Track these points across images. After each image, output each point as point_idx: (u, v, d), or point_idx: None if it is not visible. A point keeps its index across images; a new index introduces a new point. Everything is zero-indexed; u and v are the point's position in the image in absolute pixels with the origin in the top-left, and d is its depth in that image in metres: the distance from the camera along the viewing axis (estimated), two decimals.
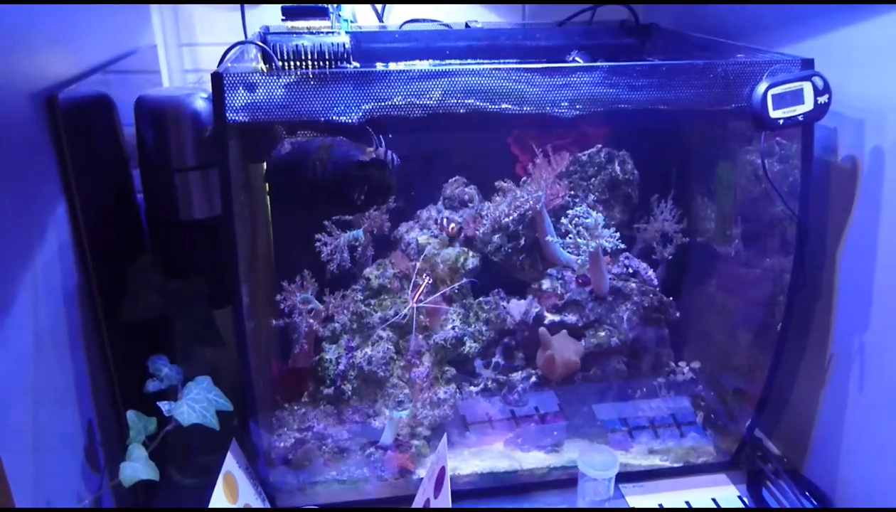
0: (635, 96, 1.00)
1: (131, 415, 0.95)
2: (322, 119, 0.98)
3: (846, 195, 1.10)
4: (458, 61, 1.41)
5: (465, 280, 1.28)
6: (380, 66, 1.31)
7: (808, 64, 1.03)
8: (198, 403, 0.98)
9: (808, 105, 1.00)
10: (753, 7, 1.29)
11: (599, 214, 1.21)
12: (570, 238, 1.21)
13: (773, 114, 0.99)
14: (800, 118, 1.00)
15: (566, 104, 1.00)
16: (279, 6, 1.35)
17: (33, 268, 0.87)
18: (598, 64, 1.02)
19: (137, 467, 0.90)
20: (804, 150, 1.05)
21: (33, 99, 0.89)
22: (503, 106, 1.00)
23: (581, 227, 1.20)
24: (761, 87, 0.99)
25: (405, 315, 1.21)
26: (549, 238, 1.27)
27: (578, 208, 1.22)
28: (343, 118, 0.98)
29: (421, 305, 1.22)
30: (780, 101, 0.99)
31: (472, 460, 1.23)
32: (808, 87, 1.00)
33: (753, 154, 1.20)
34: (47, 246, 0.91)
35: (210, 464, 1.08)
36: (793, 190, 1.11)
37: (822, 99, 1.00)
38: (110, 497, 1.03)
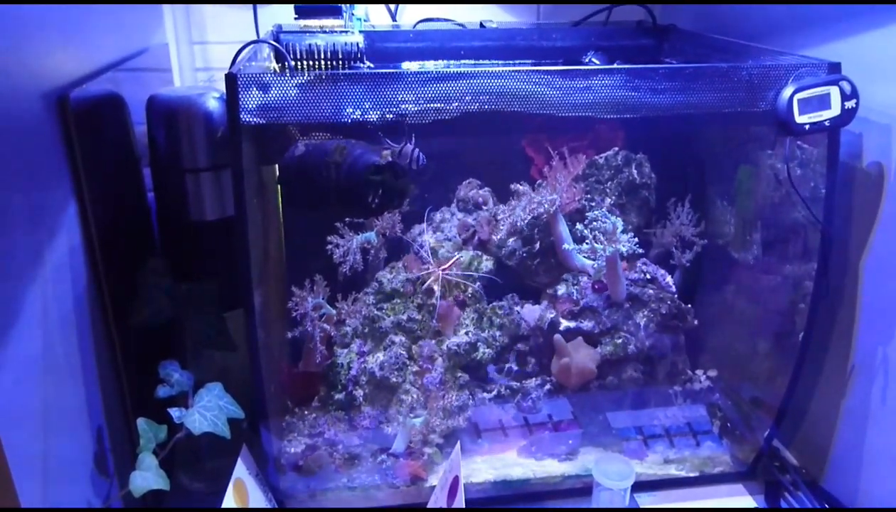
0: (657, 100, 0.98)
1: (141, 423, 0.93)
2: (336, 120, 0.97)
3: (871, 202, 1.07)
4: (472, 61, 1.40)
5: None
6: (405, 66, 1.29)
7: (835, 68, 1.00)
8: (209, 411, 0.97)
9: (835, 110, 0.98)
10: (775, 8, 1.27)
11: (618, 219, 1.19)
12: (587, 243, 1.19)
13: (799, 119, 0.97)
14: (826, 124, 0.98)
15: (586, 107, 0.98)
16: (292, 5, 1.33)
17: (43, 270, 0.85)
18: (619, 66, 1.00)
19: (148, 477, 0.88)
20: (830, 156, 1.03)
21: (44, 99, 0.87)
22: (521, 108, 0.98)
23: (598, 232, 1.18)
24: (787, 92, 0.97)
25: (429, 283, 1.20)
26: (565, 246, 1.25)
27: (597, 211, 1.20)
28: (357, 120, 0.96)
29: (445, 271, 1.21)
30: (807, 105, 0.97)
31: (485, 468, 1.22)
32: (835, 92, 0.98)
33: (774, 158, 1.18)
34: (57, 248, 0.89)
35: (219, 468, 1.06)
36: (814, 195, 1.09)
37: (850, 104, 0.98)
38: (119, 504, 1.01)
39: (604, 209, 1.23)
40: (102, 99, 1.07)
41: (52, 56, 0.92)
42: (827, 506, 1.16)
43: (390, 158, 1.10)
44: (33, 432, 0.82)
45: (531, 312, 1.27)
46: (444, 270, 1.21)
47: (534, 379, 1.25)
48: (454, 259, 1.22)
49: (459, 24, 1.51)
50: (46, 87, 0.88)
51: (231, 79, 0.91)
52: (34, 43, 0.87)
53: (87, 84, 0.99)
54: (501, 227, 1.27)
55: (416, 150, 1.14)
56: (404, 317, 1.23)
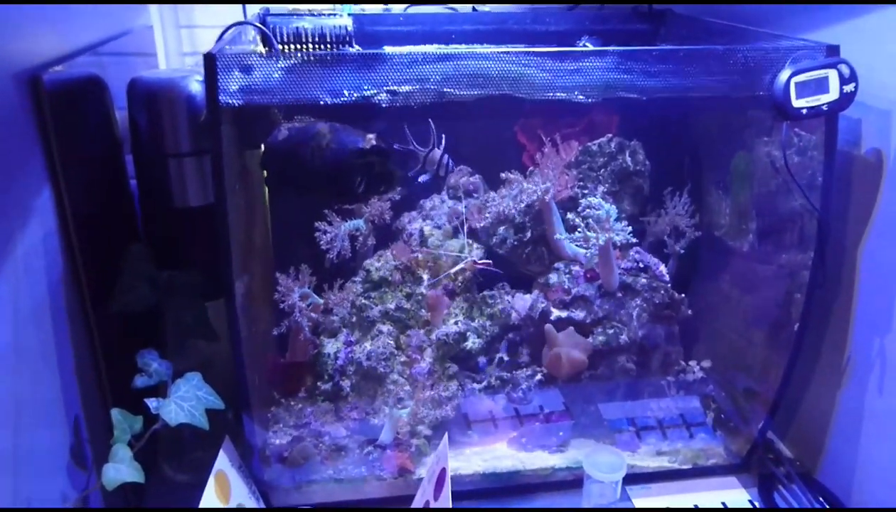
0: (651, 83, 0.96)
1: (115, 413, 0.91)
2: (321, 103, 0.94)
3: (869, 190, 1.05)
4: (464, 46, 1.37)
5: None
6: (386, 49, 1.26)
7: (833, 50, 0.98)
8: (186, 402, 0.94)
9: (833, 94, 0.95)
10: None
11: (611, 206, 1.17)
12: (580, 232, 1.17)
13: (796, 103, 0.95)
14: (824, 108, 0.95)
15: (578, 90, 0.96)
16: None
17: (14, 256, 0.83)
18: (612, 48, 0.98)
19: (121, 469, 0.86)
20: (828, 142, 1.01)
21: (15, 79, 0.85)
22: (511, 91, 0.96)
23: (591, 220, 1.16)
24: (784, 75, 0.95)
25: (462, 269, 1.21)
26: (557, 236, 1.22)
27: (591, 198, 1.18)
28: (341, 102, 0.94)
29: (478, 265, 1.22)
30: (804, 89, 0.94)
31: (475, 460, 1.20)
32: (833, 75, 0.95)
33: (771, 145, 1.15)
34: (30, 233, 0.87)
35: (203, 459, 1.04)
36: (811, 183, 1.06)
37: (848, 88, 0.95)
38: (98, 496, 0.99)
39: (597, 197, 1.21)
40: (81, 81, 1.04)
41: (24, 35, 0.89)
42: (822, 498, 1.14)
43: (420, 155, 1.09)
44: (4, 423, 0.79)
45: (522, 302, 1.24)
46: (479, 264, 1.21)
47: (524, 369, 1.23)
48: (487, 262, 1.23)
49: (451, 8, 1.48)
50: (18, 68, 0.85)
51: (210, 59, 0.88)
52: (6, 22, 0.83)
53: (64, 66, 0.96)
54: (487, 216, 1.25)
55: (446, 155, 1.10)
56: (392, 306, 1.20)
